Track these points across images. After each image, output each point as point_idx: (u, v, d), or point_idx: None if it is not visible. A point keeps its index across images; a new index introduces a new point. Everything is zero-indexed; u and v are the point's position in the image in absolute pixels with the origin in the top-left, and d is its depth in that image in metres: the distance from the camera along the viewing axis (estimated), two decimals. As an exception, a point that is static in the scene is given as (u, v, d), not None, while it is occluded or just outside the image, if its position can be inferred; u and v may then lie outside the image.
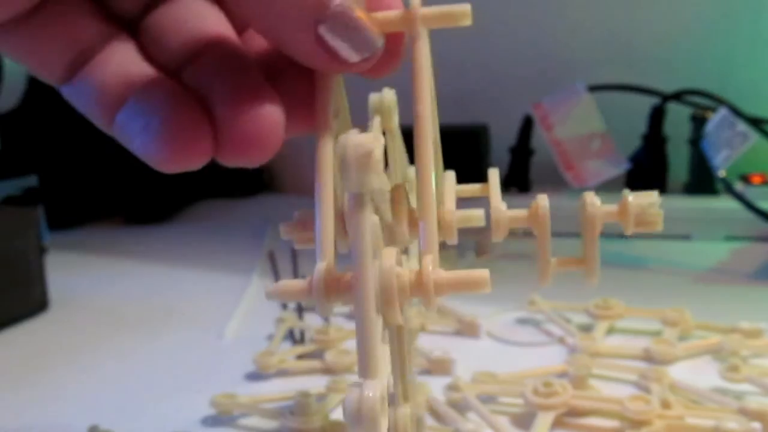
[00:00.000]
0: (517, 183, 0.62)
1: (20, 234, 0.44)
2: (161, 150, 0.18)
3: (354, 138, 0.15)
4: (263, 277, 0.51)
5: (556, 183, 0.61)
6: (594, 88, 0.60)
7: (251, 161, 0.18)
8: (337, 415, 0.31)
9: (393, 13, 0.18)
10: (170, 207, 0.72)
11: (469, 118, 0.65)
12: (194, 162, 0.18)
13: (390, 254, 0.16)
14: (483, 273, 0.16)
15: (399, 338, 0.18)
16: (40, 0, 0.19)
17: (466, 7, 0.18)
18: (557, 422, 0.29)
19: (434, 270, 0.16)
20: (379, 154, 0.15)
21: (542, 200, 0.20)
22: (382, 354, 0.15)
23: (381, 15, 0.18)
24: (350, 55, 0.17)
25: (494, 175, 0.21)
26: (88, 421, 0.31)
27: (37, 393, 0.34)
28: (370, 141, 0.15)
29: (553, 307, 0.41)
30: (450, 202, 0.20)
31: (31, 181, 0.54)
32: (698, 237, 0.59)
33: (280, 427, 0.30)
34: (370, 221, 0.15)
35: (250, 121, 0.18)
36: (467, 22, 0.19)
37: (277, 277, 0.50)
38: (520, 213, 0.20)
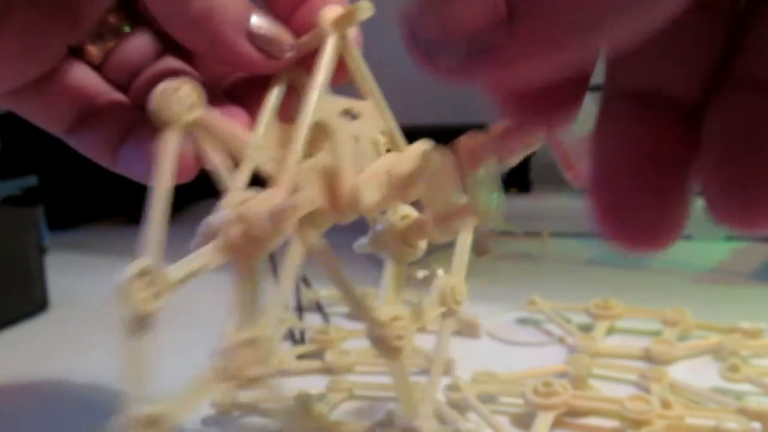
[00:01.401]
0: (517, 183, 0.62)
1: (20, 234, 0.44)
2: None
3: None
4: (263, 276, 0.51)
5: (556, 183, 0.61)
6: (594, 88, 0.60)
7: None
8: (337, 415, 0.31)
9: (310, 34, 0.23)
10: (170, 207, 0.72)
11: (469, 118, 0.65)
12: (187, 174, 0.23)
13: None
14: (295, 197, 0.20)
15: (248, 272, 0.21)
16: (49, 68, 0.23)
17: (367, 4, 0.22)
18: (557, 422, 0.29)
19: (264, 201, 0.19)
20: (184, 89, 0.19)
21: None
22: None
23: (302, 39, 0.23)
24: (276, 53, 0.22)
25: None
26: (88, 421, 0.31)
27: (37, 393, 0.34)
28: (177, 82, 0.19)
29: (553, 307, 0.41)
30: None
31: (31, 181, 0.54)
32: (698, 237, 0.58)
33: (280, 427, 0.30)
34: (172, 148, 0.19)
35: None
36: (368, 13, 0.22)
37: (277, 277, 0.50)
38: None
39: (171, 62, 0.24)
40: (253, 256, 0.19)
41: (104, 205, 0.71)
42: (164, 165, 0.19)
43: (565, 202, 0.61)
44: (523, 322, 0.42)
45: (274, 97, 0.23)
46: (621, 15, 0.11)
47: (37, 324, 0.44)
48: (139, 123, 0.23)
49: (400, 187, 0.20)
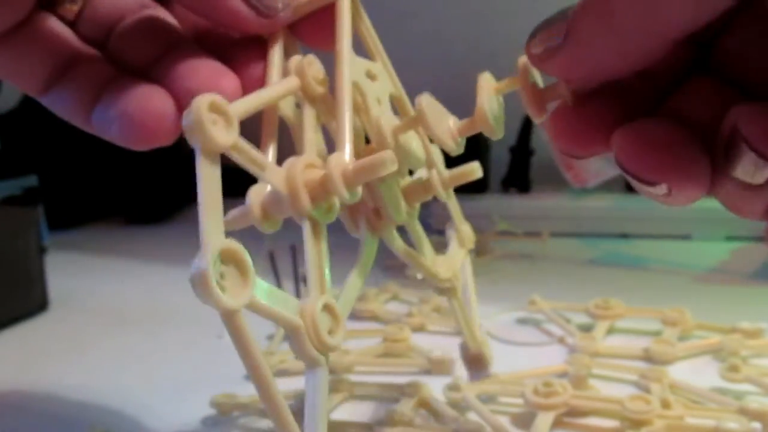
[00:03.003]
0: (517, 183, 0.62)
1: (20, 234, 0.44)
2: (134, 131, 0.21)
3: None
4: (263, 277, 0.51)
5: (556, 183, 0.61)
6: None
7: None
8: (337, 415, 0.31)
9: None
10: (170, 207, 0.72)
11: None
12: (165, 135, 0.21)
13: (303, 157, 0.18)
14: (385, 153, 0.18)
15: (315, 233, 0.19)
16: (23, 17, 0.22)
17: None
18: (557, 422, 0.29)
19: (339, 162, 0.18)
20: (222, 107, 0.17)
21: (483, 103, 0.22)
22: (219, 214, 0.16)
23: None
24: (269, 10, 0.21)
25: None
26: (88, 421, 0.31)
27: (37, 393, 0.34)
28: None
29: (553, 307, 0.41)
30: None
31: (31, 181, 0.54)
32: (698, 237, 0.59)
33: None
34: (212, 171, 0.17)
35: (207, 86, 0.21)
36: None
37: (277, 277, 0.50)
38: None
39: (151, 13, 0.23)
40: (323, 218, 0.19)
41: (104, 205, 0.71)
42: (208, 193, 0.17)
43: (565, 202, 0.61)
44: (523, 322, 0.42)
45: (276, 58, 0.22)
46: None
47: (37, 324, 0.44)
48: (113, 81, 0.22)
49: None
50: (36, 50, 0.22)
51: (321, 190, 0.18)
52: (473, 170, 0.24)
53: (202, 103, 0.16)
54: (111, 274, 0.54)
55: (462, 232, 0.27)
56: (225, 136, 0.16)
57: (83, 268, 0.56)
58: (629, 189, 0.64)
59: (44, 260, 0.45)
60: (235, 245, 0.16)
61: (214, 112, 0.16)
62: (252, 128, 0.20)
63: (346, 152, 0.19)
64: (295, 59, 0.21)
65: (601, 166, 0.59)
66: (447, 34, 0.72)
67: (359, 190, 0.19)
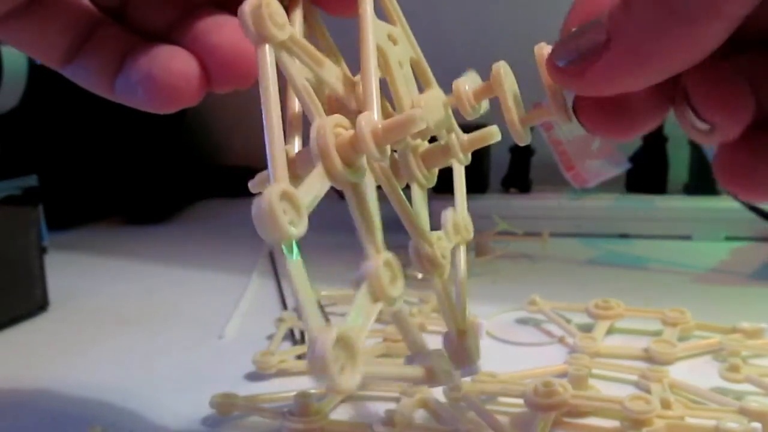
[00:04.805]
0: (517, 183, 0.62)
1: (20, 234, 0.44)
2: (159, 93, 0.21)
3: None
4: (263, 277, 0.51)
5: (556, 183, 0.61)
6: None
7: (243, 77, 0.22)
8: (337, 415, 0.31)
9: None
10: (170, 207, 0.72)
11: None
12: (190, 96, 0.21)
13: (330, 118, 0.18)
14: (414, 111, 0.18)
15: (357, 196, 0.19)
16: None
17: None
18: (557, 422, 0.29)
19: (369, 121, 0.18)
20: (274, 5, 0.18)
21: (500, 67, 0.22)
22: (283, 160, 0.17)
23: None
24: None
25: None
26: (88, 420, 0.31)
27: (37, 393, 0.34)
28: None
29: (553, 307, 0.41)
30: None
31: (31, 181, 0.54)
32: (698, 237, 0.59)
33: (280, 427, 0.30)
34: (271, 62, 0.18)
35: (230, 41, 0.21)
36: None
37: (277, 277, 0.50)
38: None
39: None
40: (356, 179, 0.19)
41: (104, 205, 0.71)
42: (267, 79, 0.18)
43: (565, 202, 0.61)
44: (523, 322, 0.42)
45: (297, 25, 0.21)
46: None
47: (37, 324, 0.44)
48: (134, 47, 0.22)
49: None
50: (54, 21, 0.22)
51: (351, 150, 0.18)
52: (492, 133, 0.24)
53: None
54: (111, 274, 0.54)
55: (460, 219, 0.27)
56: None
57: (83, 268, 0.56)
58: (629, 189, 0.64)
59: (44, 260, 0.45)
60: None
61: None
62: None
63: (375, 111, 0.19)
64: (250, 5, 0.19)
65: (601, 166, 0.59)
66: (447, 34, 0.72)
67: (388, 149, 0.19)
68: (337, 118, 0.19)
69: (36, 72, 0.54)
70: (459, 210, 0.27)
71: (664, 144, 0.62)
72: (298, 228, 0.16)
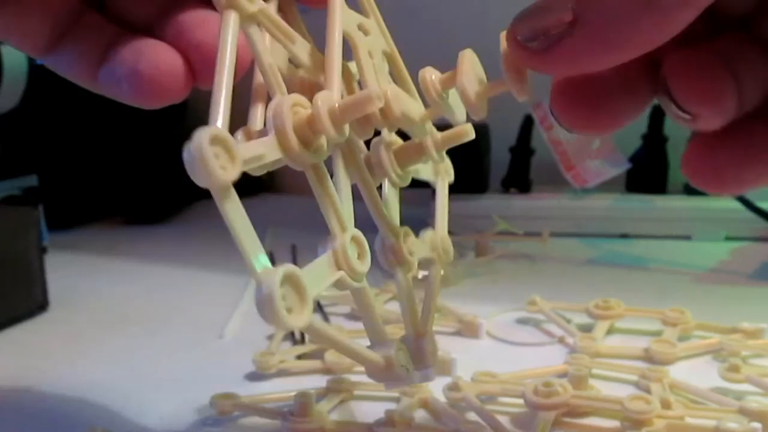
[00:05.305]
0: (517, 183, 0.62)
1: (20, 234, 0.44)
2: (146, 89, 0.21)
3: None
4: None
5: (556, 183, 0.62)
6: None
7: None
8: (337, 415, 0.31)
9: None
10: (170, 207, 0.72)
11: (469, 118, 0.65)
12: (176, 92, 0.21)
13: (290, 96, 0.18)
14: (371, 89, 0.18)
15: (317, 176, 0.19)
16: None
17: None
18: (557, 422, 0.29)
19: (327, 99, 0.18)
20: None
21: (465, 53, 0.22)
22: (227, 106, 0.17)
23: None
24: None
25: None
26: (88, 420, 0.31)
27: (37, 393, 0.34)
28: None
29: (553, 307, 0.41)
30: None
31: (31, 181, 0.54)
32: (698, 237, 0.59)
33: (280, 427, 0.30)
34: (234, 30, 0.18)
35: (214, 38, 0.20)
36: None
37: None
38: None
39: None
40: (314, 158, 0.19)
41: (104, 205, 0.70)
42: (226, 44, 0.17)
43: (565, 202, 0.61)
44: (523, 322, 0.42)
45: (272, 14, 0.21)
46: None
47: (37, 324, 0.44)
48: (119, 39, 0.22)
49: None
50: (35, 8, 0.22)
51: (308, 129, 0.18)
52: (465, 131, 0.24)
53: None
54: (111, 274, 0.54)
55: (438, 240, 0.26)
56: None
57: (83, 268, 0.56)
58: (629, 189, 0.64)
59: (44, 260, 0.45)
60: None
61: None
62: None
63: (335, 90, 0.19)
64: None
65: (601, 166, 0.59)
66: (447, 34, 0.72)
67: (346, 129, 0.18)
68: (297, 97, 0.18)
69: (36, 72, 0.54)
70: (439, 230, 0.26)
71: (664, 144, 0.62)
72: (229, 173, 0.16)
